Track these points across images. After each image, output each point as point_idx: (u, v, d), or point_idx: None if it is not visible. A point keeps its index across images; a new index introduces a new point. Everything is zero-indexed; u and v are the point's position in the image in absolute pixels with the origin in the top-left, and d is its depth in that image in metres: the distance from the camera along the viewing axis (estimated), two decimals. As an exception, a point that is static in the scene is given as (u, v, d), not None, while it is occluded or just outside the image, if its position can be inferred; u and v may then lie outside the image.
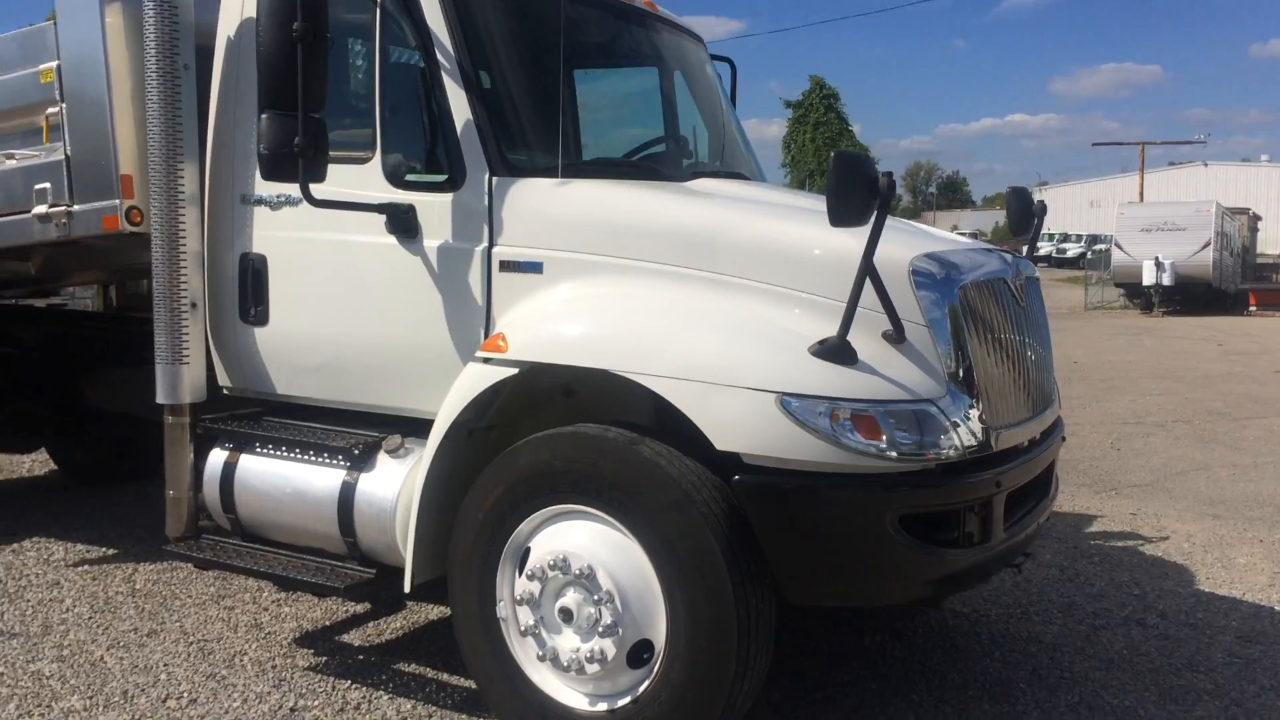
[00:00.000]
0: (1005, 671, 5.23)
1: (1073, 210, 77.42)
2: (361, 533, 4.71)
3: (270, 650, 5.36)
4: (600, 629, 4.08)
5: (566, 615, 4.15)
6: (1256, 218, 50.58)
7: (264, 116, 4.31)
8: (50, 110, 5.43)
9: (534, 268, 4.48)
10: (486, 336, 4.49)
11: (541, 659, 4.24)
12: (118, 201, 5.20)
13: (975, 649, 5.51)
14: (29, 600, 6.07)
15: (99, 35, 5.17)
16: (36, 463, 9.55)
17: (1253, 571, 6.90)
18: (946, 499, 4.04)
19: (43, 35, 5.50)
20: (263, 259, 5.06)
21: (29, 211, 5.53)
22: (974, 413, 4.13)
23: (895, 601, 4.40)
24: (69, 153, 5.37)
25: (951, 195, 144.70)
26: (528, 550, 4.29)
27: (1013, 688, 5.05)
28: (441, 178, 4.66)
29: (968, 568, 4.21)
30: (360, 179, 4.73)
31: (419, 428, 4.66)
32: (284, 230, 5.00)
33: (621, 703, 4.12)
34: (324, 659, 5.28)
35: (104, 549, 7.00)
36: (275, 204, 4.99)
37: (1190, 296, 33.07)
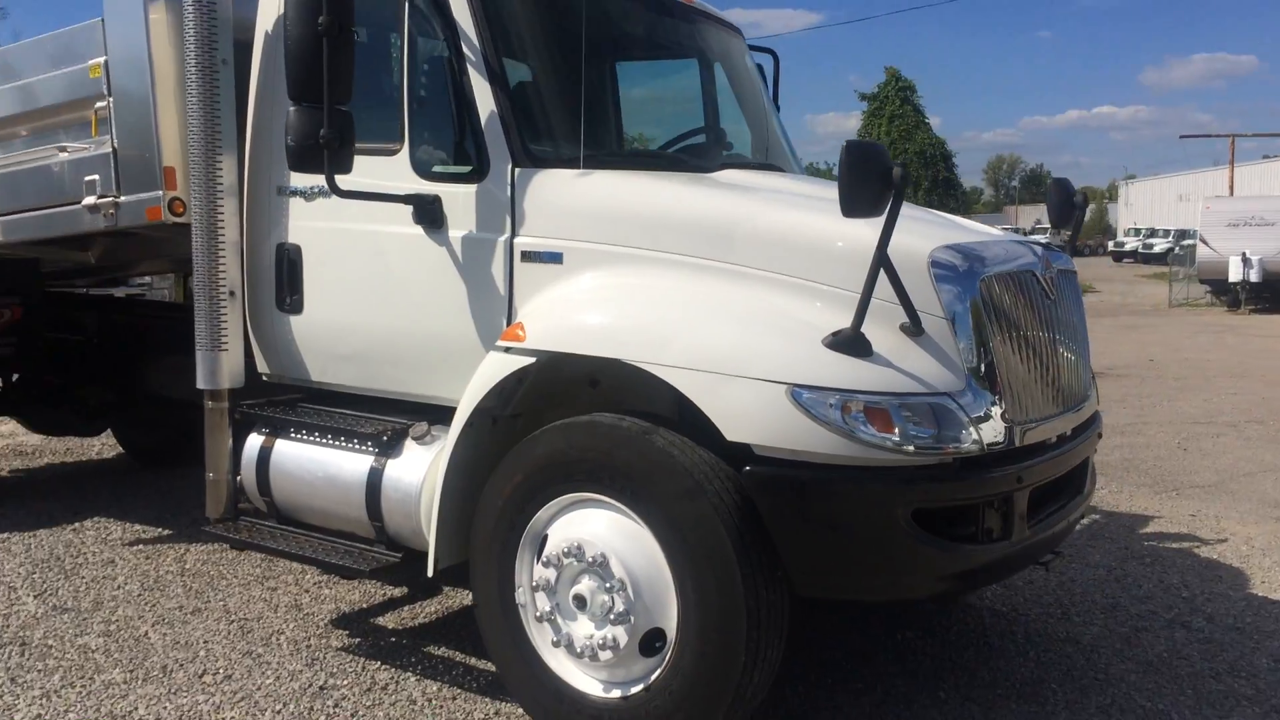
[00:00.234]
0: (1038, 671, 5.15)
1: (1161, 204, 75.63)
2: (388, 517, 4.79)
3: (307, 630, 5.49)
4: (612, 616, 4.10)
5: (580, 602, 4.19)
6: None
7: (291, 109, 4.40)
8: (99, 104, 5.60)
9: (554, 258, 4.52)
10: (508, 326, 4.54)
11: (556, 645, 4.28)
12: (161, 193, 5.35)
13: (1009, 648, 5.43)
14: (84, 577, 6.28)
15: (143, 31, 5.33)
16: (106, 446, 9.85)
17: (1311, 576, 6.70)
18: (963, 494, 3.99)
19: (92, 32, 5.67)
20: (298, 249, 5.18)
21: (80, 202, 5.71)
22: (995, 407, 4.07)
23: (912, 596, 4.37)
24: (115, 145, 5.55)
25: (1035, 189, 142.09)
26: (545, 537, 4.33)
27: (1043, 688, 4.97)
28: (466, 169, 4.72)
29: (987, 564, 4.15)
30: (389, 170, 4.82)
31: (447, 415, 4.72)
32: (318, 221, 5.11)
33: (634, 690, 4.15)
34: (357, 640, 5.39)
35: (159, 529, 7.21)
36: (310, 195, 5.10)
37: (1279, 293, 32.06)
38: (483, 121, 4.66)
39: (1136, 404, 13.52)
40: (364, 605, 5.87)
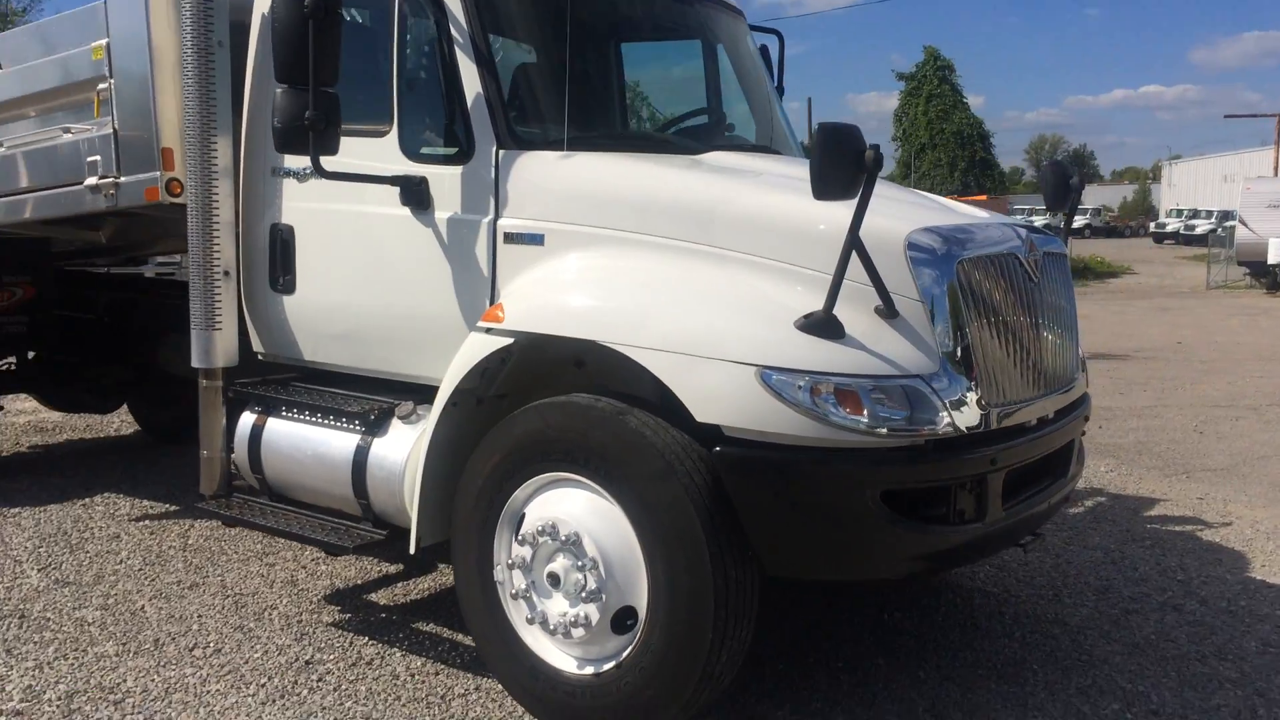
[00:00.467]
0: (1021, 652, 5.16)
1: (1205, 185, 74.52)
2: (373, 495, 4.87)
3: (300, 606, 5.58)
4: (584, 594, 4.15)
5: (554, 580, 4.24)
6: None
7: (277, 90, 4.46)
8: (101, 86, 5.68)
9: (536, 239, 4.56)
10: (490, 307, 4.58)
11: (531, 622, 4.34)
12: (158, 173, 5.43)
13: (995, 629, 5.44)
14: (88, 552, 6.41)
15: (143, 13, 5.40)
16: (124, 423, 10.01)
17: (1313, 560, 6.65)
18: (934, 476, 4.00)
19: (95, 14, 5.75)
20: (290, 229, 5.25)
21: (82, 183, 5.80)
22: (970, 389, 4.08)
23: (884, 576, 4.39)
24: (116, 127, 5.63)
25: (1078, 169, 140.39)
26: (523, 516, 4.39)
27: (1024, 669, 4.98)
28: (453, 150, 4.77)
29: (959, 545, 4.16)
30: (379, 152, 4.87)
31: (434, 395, 4.77)
32: (310, 202, 5.17)
33: (606, 667, 4.19)
34: (348, 616, 5.48)
35: (166, 505, 7.34)
36: (302, 176, 5.16)
37: (1320, 277, 31.55)
38: (469, 103, 4.70)
39: (1159, 387, 13.40)
40: (358, 581, 5.96)
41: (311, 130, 4.41)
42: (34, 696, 4.59)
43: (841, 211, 3.90)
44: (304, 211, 5.21)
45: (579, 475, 4.21)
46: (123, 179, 5.64)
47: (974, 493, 4.12)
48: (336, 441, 4.98)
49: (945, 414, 3.98)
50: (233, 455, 5.42)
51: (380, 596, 5.77)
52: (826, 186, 3.77)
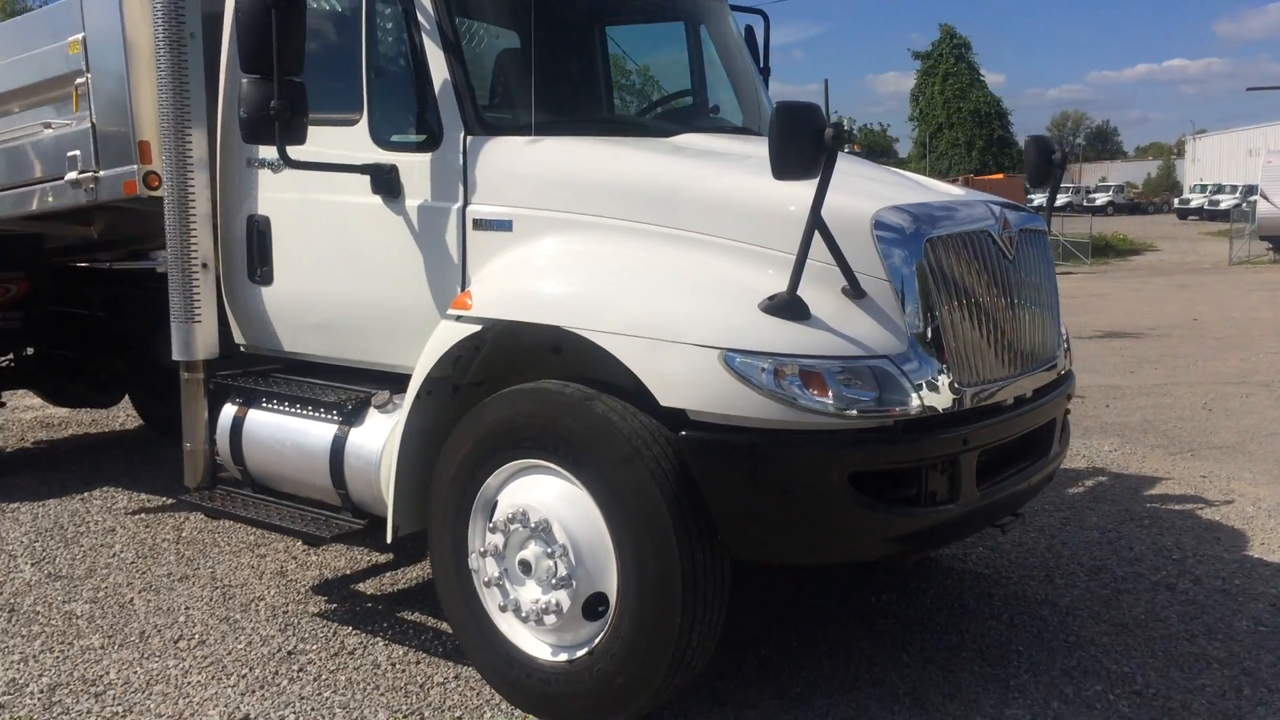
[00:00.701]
0: (1008, 634, 5.12)
1: (1230, 160, 73.58)
2: (351, 485, 4.87)
3: (287, 596, 5.60)
4: (555, 581, 4.14)
5: (526, 567, 4.23)
6: None
7: (243, 80, 4.45)
8: (78, 81, 5.71)
9: (504, 225, 4.54)
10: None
11: (504, 609, 4.33)
12: (136, 167, 5.45)
13: (983, 610, 5.40)
14: (83, 545, 6.45)
15: (117, 7, 5.40)
16: (129, 417, 10.06)
17: (1314, 537, 6.57)
18: (903, 457, 3.96)
19: (71, 9, 5.76)
20: (266, 220, 5.24)
21: (63, 178, 5.82)
22: (940, 369, 4.03)
23: (857, 559, 4.35)
24: (94, 121, 5.66)
25: (1101, 146, 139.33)
26: (496, 503, 4.38)
27: (1009, 650, 4.93)
28: (422, 138, 4.76)
29: (932, 527, 4.12)
30: (350, 140, 4.86)
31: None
32: (284, 192, 5.17)
33: (579, 654, 4.18)
34: (334, 606, 5.49)
35: (164, 498, 7.37)
36: (277, 167, 5.13)
37: (1344, 250, 31.19)
38: (437, 90, 4.69)
39: (1170, 364, 13.27)
40: (347, 571, 5.97)
41: (277, 120, 4.40)
42: (16, 689, 4.63)
43: (806, 192, 3.85)
44: (279, 202, 5.21)
45: (549, 462, 4.19)
46: (102, 173, 5.67)
47: (946, 474, 4.08)
48: (315, 432, 4.98)
49: (914, 394, 3.94)
50: (215, 447, 5.43)
51: (368, 586, 5.78)
52: (786, 166, 3.73)
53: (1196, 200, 66.96)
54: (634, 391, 4.13)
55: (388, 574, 5.93)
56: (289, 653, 4.94)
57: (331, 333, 5.17)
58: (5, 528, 6.79)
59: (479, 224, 4.59)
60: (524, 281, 4.41)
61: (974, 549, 6.23)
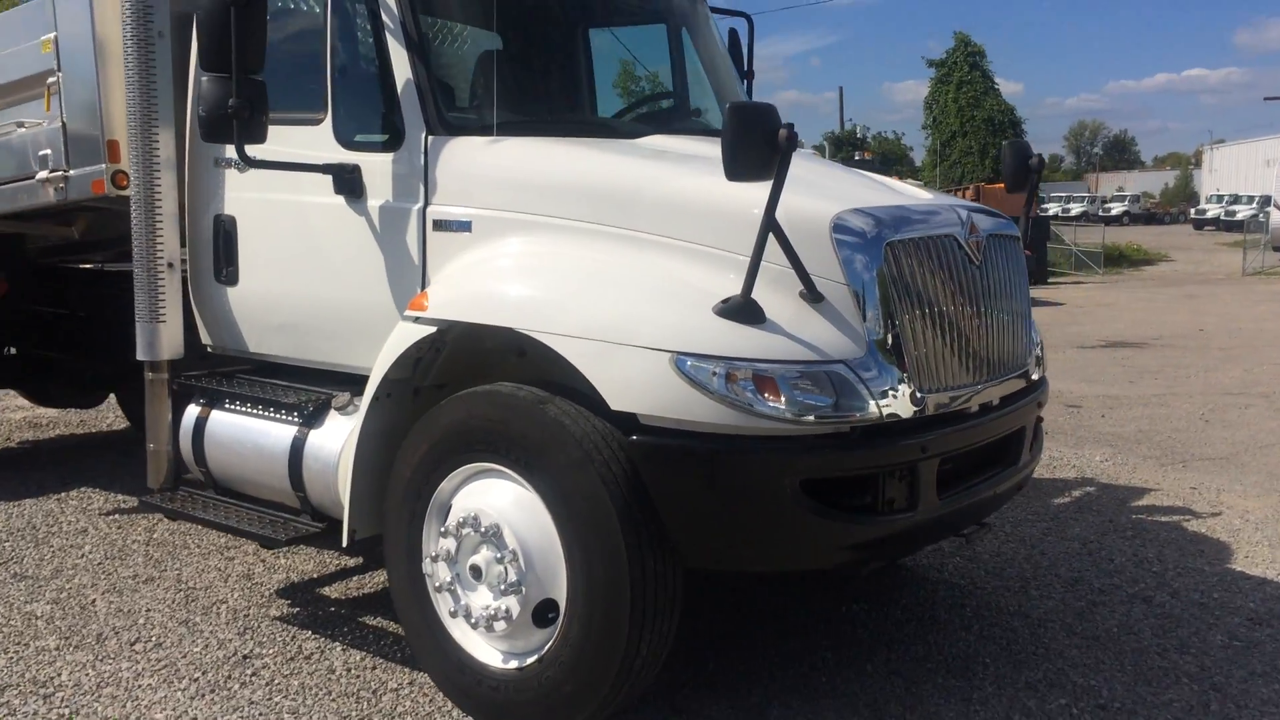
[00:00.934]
0: (976, 645, 5.03)
1: (1247, 170, 73.21)
2: (310, 487, 4.82)
3: (250, 600, 5.55)
4: (503, 587, 4.08)
5: (477, 573, 4.17)
6: None
7: (202, 78, 4.41)
8: (50, 80, 5.69)
9: (464, 226, 4.49)
10: (418, 295, 4.51)
11: (454, 615, 4.27)
12: (104, 166, 5.41)
13: (954, 621, 5.31)
14: (52, 546, 6.42)
15: (88, 6, 5.38)
16: (118, 418, 10.04)
17: (1300, 551, 6.46)
18: (857, 464, 3.89)
19: (44, 8, 5.74)
20: (232, 220, 5.21)
21: (35, 176, 5.80)
22: (900, 375, 3.96)
23: (812, 567, 4.25)
24: (65, 120, 5.63)
25: (1118, 156, 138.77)
26: (450, 507, 4.32)
27: (975, 662, 4.85)
28: (384, 138, 4.71)
29: (889, 535, 4.05)
30: (314, 140, 4.82)
31: (373, 386, 4.72)
32: (250, 192, 5.13)
33: (529, 661, 4.12)
34: (297, 610, 5.44)
35: (139, 498, 7.30)
36: (242, 166, 5.08)
37: (1357, 261, 30.90)
38: (399, 89, 4.64)
39: (1171, 375, 13.14)
40: (314, 575, 5.92)
41: (236, 118, 4.35)
42: (-33, 691, 4.59)
43: (765, 194, 3.79)
44: (245, 202, 5.17)
45: (502, 465, 4.14)
46: (71, 172, 5.64)
47: (905, 481, 4.01)
48: (274, 433, 4.94)
49: (872, 401, 3.87)
50: (179, 448, 5.39)
51: (333, 590, 5.72)
52: (739, 168, 3.66)
53: (1213, 210, 66.61)
54: (593, 396, 4.08)
55: (354, 578, 5.88)
56: (244, 657, 4.89)
57: (296, 334, 5.12)
58: (-21, 527, 6.77)
59: (439, 225, 4.54)
60: (480, 283, 4.35)
61: (951, 559, 6.15)
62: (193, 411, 5.31)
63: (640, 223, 4.18)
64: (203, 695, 4.53)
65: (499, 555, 4.09)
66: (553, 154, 4.60)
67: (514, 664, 4.17)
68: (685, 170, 4.48)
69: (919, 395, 4.01)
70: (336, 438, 4.74)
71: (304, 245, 5.00)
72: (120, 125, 5.40)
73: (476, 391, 4.25)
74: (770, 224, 3.71)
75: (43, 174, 5.74)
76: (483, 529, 4.13)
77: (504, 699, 4.16)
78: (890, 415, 3.91)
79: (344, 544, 4.60)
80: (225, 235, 5.22)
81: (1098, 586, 5.80)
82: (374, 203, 4.71)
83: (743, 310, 3.80)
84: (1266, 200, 53.30)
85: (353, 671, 4.74)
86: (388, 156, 4.68)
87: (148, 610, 5.41)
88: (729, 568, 4.21)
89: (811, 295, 3.91)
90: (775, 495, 3.76)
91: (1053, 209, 65.53)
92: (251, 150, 4.47)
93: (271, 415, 5.01)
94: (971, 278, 4.40)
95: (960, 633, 5.18)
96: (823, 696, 4.53)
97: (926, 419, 4.07)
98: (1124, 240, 41.40)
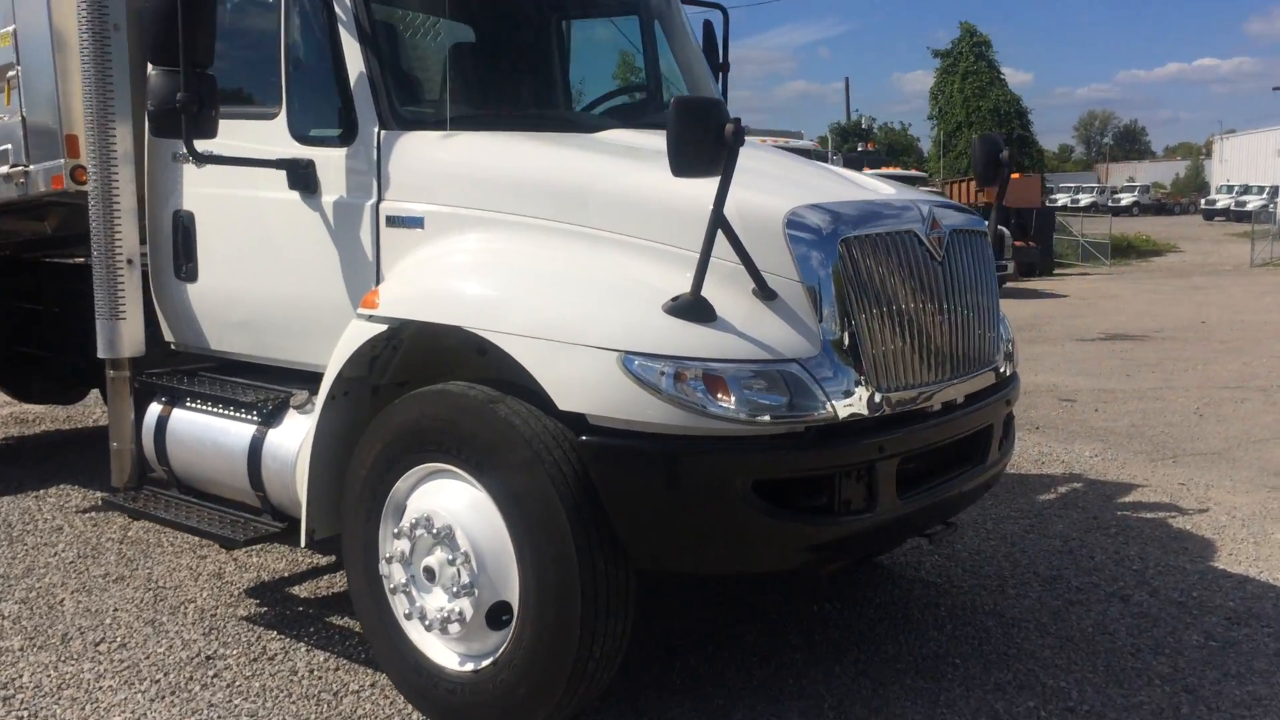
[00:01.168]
0: (948, 645, 4.96)
1: (1258, 160, 72.78)
2: (269, 486, 4.77)
3: (218, 599, 5.49)
4: (458, 589, 4.03)
5: (431, 574, 4.12)
6: None
7: (151, 72, 4.35)
8: (10, 74, 5.63)
9: (416, 223, 4.42)
10: (371, 292, 4.45)
11: (409, 617, 4.22)
12: (63, 161, 5.36)
13: (926, 621, 5.24)
14: (26, 544, 6.37)
15: (44, -1, 5.32)
16: (105, 413, 9.98)
17: (1284, 547, 6.37)
18: (811, 464, 3.82)
19: (3, 0, 5.67)
20: (191, 216, 5.15)
21: (-4, 172, 5.75)
22: (855, 374, 3.88)
23: (769, 570, 4.17)
24: (25, 114, 5.58)
25: (1129, 146, 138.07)
26: (405, 508, 4.26)
27: (945, 663, 4.78)
28: (337, 132, 4.64)
29: (847, 536, 3.98)
30: (269, 134, 4.76)
31: (335, 384, 4.66)
32: (207, 187, 5.07)
33: (484, 663, 4.07)
34: (264, 610, 5.38)
35: (103, 497, 7.27)
36: (200, 161, 5.04)
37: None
38: (352, 83, 4.58)
39: (1169, 368, 13.02)
40: (285, 574, 5.86)
41: (184, 113, 4.29)
42: (-76, 693, 4.54)
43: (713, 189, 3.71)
44: (203, 197, 5.11)
45: (453, 466, 4.07)
46: (31, 167, 5.59)
47: (863, 481, 3.93)
48: (233, 432, 4.89)
49: (828, 400, 3.79)
50: (141, 447, 5.34)
51: (303, 590, 5.67)
52: (684, 163, 3.58)
53: (1223, 201, 66.31)
54: (544, 395, 4.01)
55: (325, 577, 5.83)
56: (208, 657, 4.84)
57: (254, 331, 5.07)
58: (-47, 526, 6.73)
59: (391, 221, 4.47)
60: (431, 280, 4.29)
61: (929, 557, 6.07)
62: (154, 410, 5.26)
63: (594, 219, 4.11)
64: (163, 697, 4.48)
65: (451, 557, 4.03)
66: (506, 149, 4.53)
67: (470, 666, 4.11)
68: (640, 166, 4.39)
69: (877, 394, 3.93)
70: (294, 437, 4.69)
71: (261, 241, 4.94)
72: (79, 120, 5.34)
73: (429, 390, 4.18)
74: (719, 220, 3.63)
75: (3, 169, 5.69)
76: (435, 530, 4.07)
77: (460, 701, 4.10)
78: (847, 415, 3.83)
79: (302, 544, 4.55)
80: (184, 231, 5.17)
81: (1076, 585, 5.71)
82: (328, 198, 4.65)
83: (692, 309, 3.73)
84: (1276, 190, 53.00)
85: (315, 673, 4.69)
86: (341, 151, 4.61)
87: (115, 610, 5.36)
88: (682, 571, 4.14)
89: (764, 293, 3.83)
90: (725, 497, 3.69)
91: (1062, 199, 65.23)
92: (204, 145, 4.42)
93: (231, 414, 4.96)
94: (933, 274, 4.31)
95: (932, 632, 5.10)
96: (789, 698, 4.47)
97: (885, 418, 3.99)
98: (1132, 231, 41.21)
